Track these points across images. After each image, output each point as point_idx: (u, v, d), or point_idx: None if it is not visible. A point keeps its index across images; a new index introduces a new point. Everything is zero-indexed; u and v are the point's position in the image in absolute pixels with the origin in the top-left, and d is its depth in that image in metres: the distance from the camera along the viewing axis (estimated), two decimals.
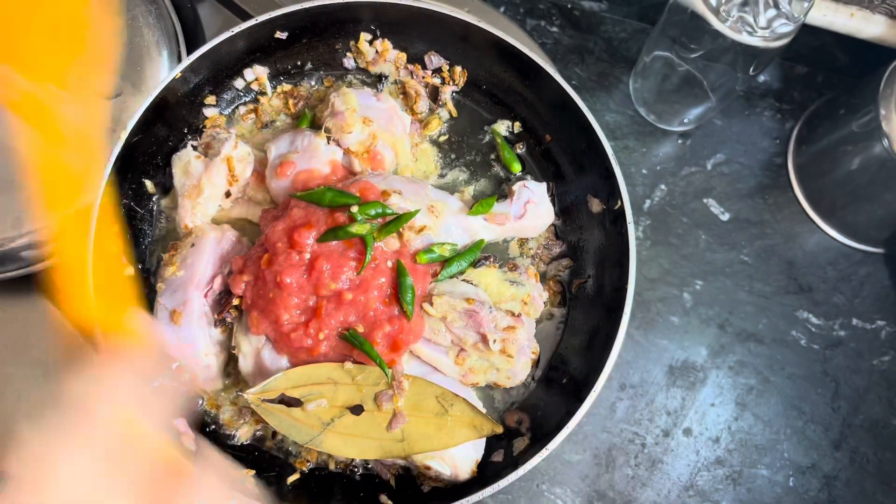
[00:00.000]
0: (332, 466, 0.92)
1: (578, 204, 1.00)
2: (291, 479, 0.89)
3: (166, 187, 0.99)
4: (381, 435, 0.81)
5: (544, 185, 0.97)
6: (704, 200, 1.21)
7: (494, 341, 0.84)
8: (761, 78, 1.27)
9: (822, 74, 1.28)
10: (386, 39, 1.04)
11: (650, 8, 1.25)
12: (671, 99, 1.16)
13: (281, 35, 0.99)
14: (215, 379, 0.91)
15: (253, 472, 0.85)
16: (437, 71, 1.06)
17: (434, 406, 0.82)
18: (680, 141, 1.23)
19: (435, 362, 0.88)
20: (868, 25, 1.13)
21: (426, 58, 1.05)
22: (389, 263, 0.85)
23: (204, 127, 1.01)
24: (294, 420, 0.82)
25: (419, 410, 0.82)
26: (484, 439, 0.87)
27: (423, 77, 1.06)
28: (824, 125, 1.18)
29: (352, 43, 1.04)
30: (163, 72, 1.06)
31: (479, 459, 0.86)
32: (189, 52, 1.09)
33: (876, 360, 1.14)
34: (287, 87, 1.06)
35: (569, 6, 1.29)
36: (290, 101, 1.05)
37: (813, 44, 1.21)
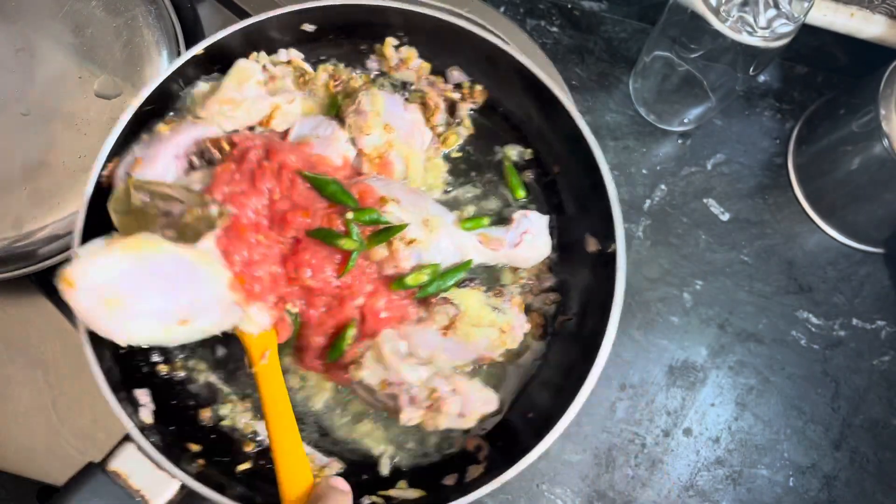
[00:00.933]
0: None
1: (575, 241, 0.98)
2: (242, 467, 0.88)
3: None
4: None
5: (546, 217, 0.95)
6: (704, 200, 1.21)
7: (410, 420, 0.81)
8: (761, 78, 1.27)
9: (822, 74, 1.28)
10: (412, 47, 1.03)
11: (650, 8, 1.25)
12: (671, 99, 1.16)
13: (308, 28, 0.98)
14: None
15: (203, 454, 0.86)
16: (458, 86, 1.05)
17: None
18: (680, 141, 1.23)
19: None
20: (868, 25, 1.13)
21: (448, 72, 1.04)
22: (370, 287, 0.84)
23: (288, 62, 1.00)
24: (135, 219, 0.81)
25: None
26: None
27: (444, 90, 1.05)
28: (824, 125, 1.18)
29: (376, 46, 1.03)
30: (163, 72, 1.05)
31: None
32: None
33: (876, 360, 1.14)
34: (330, 67, 1.04)
35: (569, 6, 1.29)
36: (331, 83, 1.03)
37: (813, 44, 1.21)
